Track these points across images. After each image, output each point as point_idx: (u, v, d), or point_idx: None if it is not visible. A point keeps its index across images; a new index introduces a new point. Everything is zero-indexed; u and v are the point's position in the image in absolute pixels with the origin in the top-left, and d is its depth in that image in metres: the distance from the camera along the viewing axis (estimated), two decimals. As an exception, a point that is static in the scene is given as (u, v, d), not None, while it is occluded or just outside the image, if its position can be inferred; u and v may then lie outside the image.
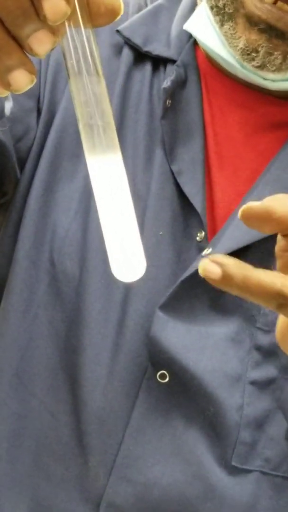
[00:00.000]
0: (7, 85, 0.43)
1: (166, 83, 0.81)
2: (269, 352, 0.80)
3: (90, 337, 0.81)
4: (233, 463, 0.80)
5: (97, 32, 0.85)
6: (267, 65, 0.77)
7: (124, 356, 0.80)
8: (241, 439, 0.80)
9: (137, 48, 0.85)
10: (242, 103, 0.84)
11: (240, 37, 0.77)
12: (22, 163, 0.84)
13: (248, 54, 0.77)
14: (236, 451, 0.80)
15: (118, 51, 0.86)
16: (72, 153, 0.84)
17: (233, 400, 0.80)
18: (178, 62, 0.84)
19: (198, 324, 0.80)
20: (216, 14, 0.79)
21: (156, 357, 0.80)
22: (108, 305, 0.81)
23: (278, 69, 0.77)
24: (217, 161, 0.84)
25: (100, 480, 0.82)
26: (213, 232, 0.83)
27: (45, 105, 0.84)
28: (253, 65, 0.77)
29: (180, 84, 0.83)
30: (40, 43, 0.42)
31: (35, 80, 0.44)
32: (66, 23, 0.43)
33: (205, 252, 0.80)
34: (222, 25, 0.78)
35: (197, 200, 0.80)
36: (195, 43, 0.85)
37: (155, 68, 0.85)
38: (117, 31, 0.85)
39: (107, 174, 0.45)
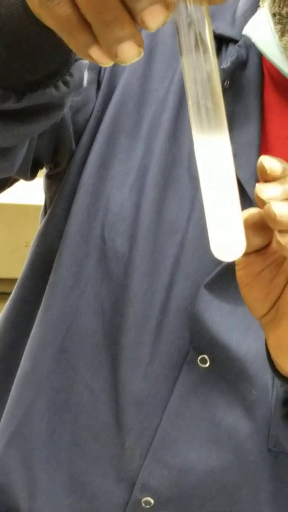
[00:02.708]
0: (114, 56, 0.43)
1: (226, 63, 0.80)
2: None
3: (134, 317, 0.81)
4: (269, 447, 0.80)
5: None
6: None
7: (166, 338, 0.80)
8: (275, 421, 0.79)
9: None
10: None
11: None
12: (78, 135, 0.84)
13: None
14: (271, 434, 0.79)
15: None
16: (130, 129, 0.83)
17: (270, 382, 0.79)
18: (240, 43, 0.81)
19: (243, 304, 0.79)
20: (278, 22, 0.75)
21: (198, 337, 0.79)
22: (154, 286, 0.80)
23: None
24: (276, 144, 0.82)
25: (135, 461, 0.82)
26: None
27: (106, 78, 0.84)
28: None
29: (240, 65, 0.81)
30: (154, 17, 0.42)
31: (142, 53, 0.43)
32: None
33: None
34: (282, 35, 0.75)
35: (249, 185, 0.79)
36: None
37: (218, 47, 0.83)
38: None
39: (213, 154, 0.45)
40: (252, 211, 0.54)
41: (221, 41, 0.83)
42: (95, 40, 0.43)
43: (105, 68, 0.83)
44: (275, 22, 0.76)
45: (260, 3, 0.80)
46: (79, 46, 0.44)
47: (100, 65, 0.45)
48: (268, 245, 0.56)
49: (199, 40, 0.44)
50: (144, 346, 0.80)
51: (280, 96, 0.82)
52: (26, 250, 0.94)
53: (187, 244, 0.80)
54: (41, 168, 0.87)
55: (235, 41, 0.82)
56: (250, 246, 0.53)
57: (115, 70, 0.83)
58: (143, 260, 0.81)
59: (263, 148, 0.81)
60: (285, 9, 0.74)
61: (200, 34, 0.44)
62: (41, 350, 0.85)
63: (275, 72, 0.81)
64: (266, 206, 0.52)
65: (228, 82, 0.80)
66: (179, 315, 0.80)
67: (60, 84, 0.60)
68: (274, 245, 0.55)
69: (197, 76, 0.44)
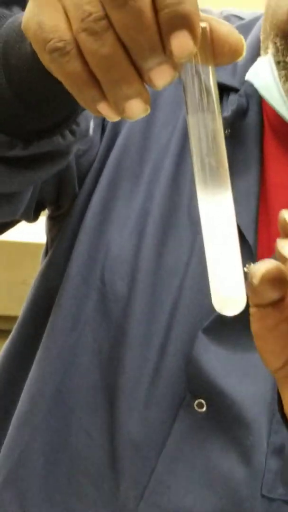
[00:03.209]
0: (122, 112, 0.44)
1: (227, 112, 0.81)
2: None
3: (131, 359, 0.81)
4: (263, 493, 0.79)
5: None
6: None
7: (163, 381, 0.80)
8: (269, 466, 0.79)
9: None
10: None
11: None
12: (81, 178, 0.85)
13: None
14: (265, 480, 0.79)
15: None
16: (133, 173, 0.84)
17: (266, 428, 0.79)
18: (241, 92, 0.83)
19: (241, 350, 0.80)
20: (282, 69, 0.77)
21: (195, 381, 0.79)
22: (152, 329, 0.81)
23: None
24: (275, 193, 0.83)
25: (130, 504, 0.81)
26: None
27: (110, 123, 0.84)
28: None
29: (240, 114, 0.82)
30: (161, 76, 0.43)
31: (149, 110, 0.44)
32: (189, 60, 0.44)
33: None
34: (286, 80, 0.77)
35: (249, 231, 0.80)
36: None
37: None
38: None
39: (216, 211, 0.46)
40: (269, 264, 0.53)
41: (222, 90, 0.84)
42: (104, 96, 0.44)
43: None
44: (279, 69, 0.77)
45: (262, 52, 0.82)
46: (88, 101, 0.45)
47: (108, 119, 0.46)
48: (284, 298, 0.55)
49: (205, 100, 0.45)
50: (141, 389, 0.80)
51: (280, 144, 0.83)
52: (23, 287, 0.95)
53: (186, 288, 0.81)
54: (44, 209, 0.88)
55: (235, 90, 0.84)
56: (266, 299, 0.53)
57: None
58: (142, 303, 0.81)
59: (263, 195, 0.82)
60: None
61: (206, 93, 0.45)
62: (39, 390, 0.85)
63: (275, 120, 0.82)
64: None
65: (229, 130, 0.81)
66: (176, 359, 0.80)
67: (67, 133, 0.61)
68: None
69: (202, 134, 0.45)
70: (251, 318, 0.55)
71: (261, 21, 0.85)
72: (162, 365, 0.80)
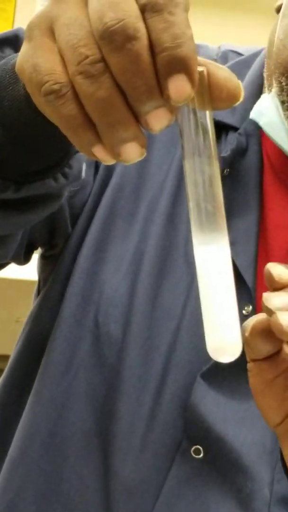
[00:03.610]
0: (118, 156, 0.44)
1: (226, 151, 0.80)
2: None
3: (126, 404, 0.79)
4: None
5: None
6: None
7: (159, 427, 0.78)
8: None
9: None
10: None
11: None
12: (74, 218, 0.83)
13: None
14: None
15: None
16: (127, 213, 0.83)
17: (267, 475, 0.77)
18: (241, 130, 0.82)
19: (239, 396, 0.78)
20: (287, 109, 0.76)
21: (192, 427, 0.77)
22: (148, 373, 0.79)
23: None
24: (275, 234, 0.81)
25: None
26: None
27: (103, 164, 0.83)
28: None
29: (240, 153, 0.81)
30: (158, 120, 0.43)
31: (145, 154, 0.44)
32: (187, 104, 0.44)
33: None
34: None
35: (248, 273, 0.78)
36: None
37: (217, 134, 0.82)
38: None
39: (212, 257, 0.46)
40: (260, 317, 0.52)
41: (221, 128, 0.83)
42: (99, 139, 0.44)
43: None
44: (284, 109, 0.76)
45: (266, 89, 0.81)
46: (83, 144, 0.44)
47: (103, 163, 0.45)
48: (279, 351, 0.54)
49: (201, 144, 0.44)
50: (136, 434, 0.78)
51: (280, 185, 0.82)
52: (17, 326, 0.93)
53: (182, 331, 0.79)
54: (35, 250, 0.87)
55: (234, 129, 0.82)
56: (260, 353, 0.52)
57: None
58: (137, 346, 0.79)
59: (262, 236, 0.81)
60: None
61: (203, 138, 0.44)
62: (31, 434, 0.83)
63: (276, 160, 0.82)
64: (274, 317, 0.51)
65: (228, 170, 0.80)
66: (173, 404, 0.78)
67: (59, 176, 0.60)
68: (282, 355, 0.54)
69: (199, 179, 0.45)
70: (249, 373, 0.54)
71: (260, 57, 0.85)
72: (158, 410, 0.78)
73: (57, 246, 0.85)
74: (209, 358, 0.75)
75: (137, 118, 0.43)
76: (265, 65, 0.81)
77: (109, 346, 0.80)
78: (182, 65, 0.41)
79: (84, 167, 0.63)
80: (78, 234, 0.83)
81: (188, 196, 0.45)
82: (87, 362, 0.81)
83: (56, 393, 0.82)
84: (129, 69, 0.41)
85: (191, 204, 0.45)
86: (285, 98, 0.76)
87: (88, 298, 0.82)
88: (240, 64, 0.87)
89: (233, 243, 0.79)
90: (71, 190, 0.77)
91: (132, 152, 0.43)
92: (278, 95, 0.77)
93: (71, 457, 0.81)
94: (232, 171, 0.81)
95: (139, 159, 0.44)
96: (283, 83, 0.76)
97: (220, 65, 0.45)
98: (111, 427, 0.79)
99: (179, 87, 0.42)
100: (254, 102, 0.82)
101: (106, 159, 0.44)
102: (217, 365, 0.75)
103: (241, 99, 0.45)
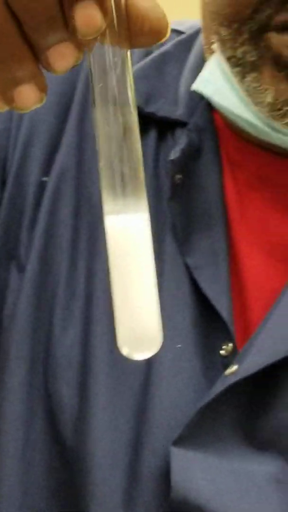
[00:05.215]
0: (10, 101, 0.38)
1: (174, 154, 0.65)
2: None
3: (95, 492, 0.64)
4: None
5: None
6: None
7: (140, 509, 0.64)
8: None
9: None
10: (275, 177, 0.67)
11: (266, 89, 0.61)
12: None
13: (279, 110, 0.60)
14: None
15: None
16: (67, 245, 0.68)
17: None
18: (190, 126, 0.67)
19: (230, 460, 0.65)
20: (235, 65, 0.62)
21: (181, 507, 0.63)
22: (116, 446, 0.64)
23: None
24: (247, 249, 0.67)
25: None
26: (245, 340, 0.66)
27: (12, 176, 0.69)
28: (287, 123, 0.61)
29: (192, 154, 0.67)
30: (61, 57, 0.37)
31: (44, 100, 0.39)
32: (99, 39, 0.38)
33: (229, 371, 0.63)
34: (243, 77, 0.62)
35: (221, 303, 0.64)
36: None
37: (161, 133, 0.69)
38: None
39: (126, 230, 0.39)
40: None
41: (166, 126, 0.69)
42: None
43: (12, 162, 0.68)
44: (232, 66, 0.63)
45: (206, 55, 0.67)
46: None
47: None
48: None
49: (116, 90, 0.38)
50: None
51: (245, 187, 0.68)
52: None
53: (153, 386, 0.65)
54: None
55: (183, 124, 0.68)
56: None
57: (24, 167, 0.69)
58: (97, 414, 0.65)
59: (232, 253, 0.67)
60: (239, 50, 0.61)
61: (118, 82, 0.38)
62: None
63: (237, 155, 0.68)
64: None
65: (180, 176, 0.66)
66: (153, 482, 0.64)
67: None
68: None
69: (114, 132, 0.38)
70: None
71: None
72: (135, 493, 0.64)
73: None
74: (188, 416, 0.64)
75: (35, 54, 0.37)
76: (202, 28, 0.67)
77: (63, 418, 0.66)
78: None
79: None
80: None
81: (100, 154, 0.39)
82: (42, 443, 0.67)
83: (13, 484, 0.68)
84: None
85: (102, 163, 0.39)
86: (229, 53, 0.62)
87: (36, 360, 0.67)
88: (180, 45, 0.73)
89: (197, 268, 0.65)
90: None
91: (28, 96, 0.38)
92: (222, 51, 0.63)
93: None
94: (185, 178, 0.66)
95: (37, 106, 0.38)
96: (223, 34, 0.62)
97: None
98: None
99: (87, 16, 0.36)
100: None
101: None
102: (194, 427, 0.64)
103: (168, 34, 0.38)
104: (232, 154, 0.68)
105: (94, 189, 0.68)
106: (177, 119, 0.68)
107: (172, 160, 0.65)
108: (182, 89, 0.69)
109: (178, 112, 0.68)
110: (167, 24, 0.38)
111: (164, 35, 0.38)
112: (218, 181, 0.67)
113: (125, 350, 0.39)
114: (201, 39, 0.71)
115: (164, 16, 0.38)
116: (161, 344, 0.39)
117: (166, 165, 0.67)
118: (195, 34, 0.73)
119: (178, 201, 0.66)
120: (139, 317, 0.39)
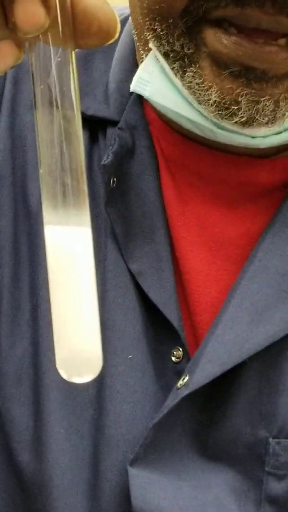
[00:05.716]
0: None
1: (107, 157, 0.61)
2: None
3: None
4: None
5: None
6: (257, 117, 0.56)
7: None
8: None
9: None
10: (214, 173, 0.64)
11: (210, 87, 0.56)
12: None
13: (227, 109, 0.56)
14: None
15: None
16: (10, 266, 0.64)
17: None
18: (121, 124, 0.63)
19: (188, 474, 0.63)
20: (174, 60, 0.58)
21: None
22: (75, 465, 0.62)
23: (272, 120, 0.57)
24: (190, 251, 0.64)
25: None
26: (195, 344, 0.64)
27: None
28: (236, 122, 0.57)
29: (125, 155, 0.63)
30: (0, 56, 0.36)
31: None
32: (41, 38, 0.36)
33: (180, 383, 0.61)
34: (184, 72, 0.57)
35: (169, 308, 0.62)
36: (141, 96, 0.64)
37: (93, 134, 0.65)
38: None
39: (67, 242, 0.37)
40: None
41: (96, 125, 0.65)
42: None
43: None
44: (171, 62, 0.58)
45: (141, 52, 0.62)
46: None
47: None
48: None
49: (59, 92, 0.36)
50: None
51: (183, 187, 0.65)
52: None
53: (107, 400, 0.62)
54: None
55: (112, 123, 0.64)
56: None
57: None
58: (53, 433, 0.62)
59: (175, 256, 0.64)
60: (177, 43, 0.57)
61: (61, 84, 0.36)
62: None
63: (173, 154, 0.65)
64: None
65: (114, 179, 0.62)
66: (113, 501, 0.62)
67: None
68: None
69: (56, 137, 0.36)
70: None
71: (129, 24, 0.67)
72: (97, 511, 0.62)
73: None
74: (143, 431, 0.62)
75: None
76: (132, 25, 0.63)
77: (19, 442, 0.63)
78: None
79: None
80: None
81: (39, 161, 0.37)
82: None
83: None
84: None
85: (43, 170, 0.37)
86: (166, 48, 0.57)
87: None
88: None
89: (141, 274, 0.61)
90: None
91: None
92: (157, 47, 0.58)
93: None
94: (120, 181, 0.63)
95: None
96: (158, 29, 0.58)
97: None
98: None
99: (28, 13, 0.34)
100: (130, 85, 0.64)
101: None
102: (149, 446, 0.61)
103: (117, 35, 0.36)
104: (168, 151, 0.65)
105: (31, 195, 0.65)
106: (106, 117, 0.64)
107: (104, 165, 0.61)
108: (111, 85, 0.65)
109: (108, 110, 0.65)
110: (116, 24, 0.36)
111: (113, 36, 0.36)
112: (155, 181, 0.63)
113: (63, 373, 0.37)
114: (127, 27, 0.67)
115: (114, 16, 0.36)
116: (101, 367, 0.37)
117: (99, 169, 0.64)
118: (121, 23, 0.70)
119: (115, 206, 0.63)
120: (77, 339, 0.37)
